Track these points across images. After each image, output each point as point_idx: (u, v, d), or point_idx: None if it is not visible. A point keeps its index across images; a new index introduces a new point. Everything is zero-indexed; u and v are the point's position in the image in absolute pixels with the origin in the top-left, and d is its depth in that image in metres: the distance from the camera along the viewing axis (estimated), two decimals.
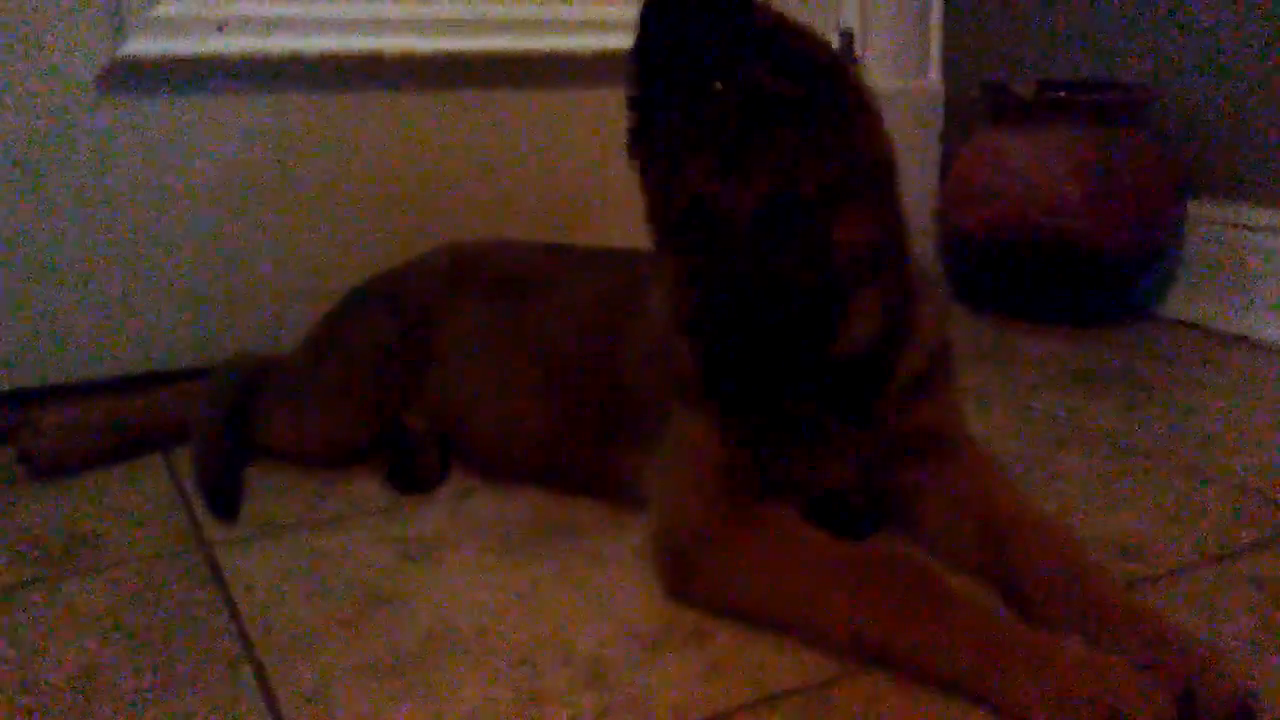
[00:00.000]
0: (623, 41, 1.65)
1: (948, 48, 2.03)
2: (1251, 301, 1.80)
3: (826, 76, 0.94)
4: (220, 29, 1.50)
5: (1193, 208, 1.87)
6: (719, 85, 0.93)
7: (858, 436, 1.04)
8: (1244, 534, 1.13)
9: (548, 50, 1.73)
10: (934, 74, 2.03)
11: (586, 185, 1.76)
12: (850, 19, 1.94)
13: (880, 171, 1.00)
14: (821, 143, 0.93)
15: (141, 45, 1.46)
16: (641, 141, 0.99)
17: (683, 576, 0.98)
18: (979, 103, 1.95)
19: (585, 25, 1.75)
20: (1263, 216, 1.78)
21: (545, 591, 1.03)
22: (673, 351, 1.04)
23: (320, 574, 1.07)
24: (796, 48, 0.93)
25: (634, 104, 0.98)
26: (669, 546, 1.00)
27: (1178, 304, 1.91)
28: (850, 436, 1.03)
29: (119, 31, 1.44)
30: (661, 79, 0.95)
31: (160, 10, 1.47)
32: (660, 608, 0.99)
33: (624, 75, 0.97)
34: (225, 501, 1.21)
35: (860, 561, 0.91)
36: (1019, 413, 1.51)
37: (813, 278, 0.93)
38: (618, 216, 1.48)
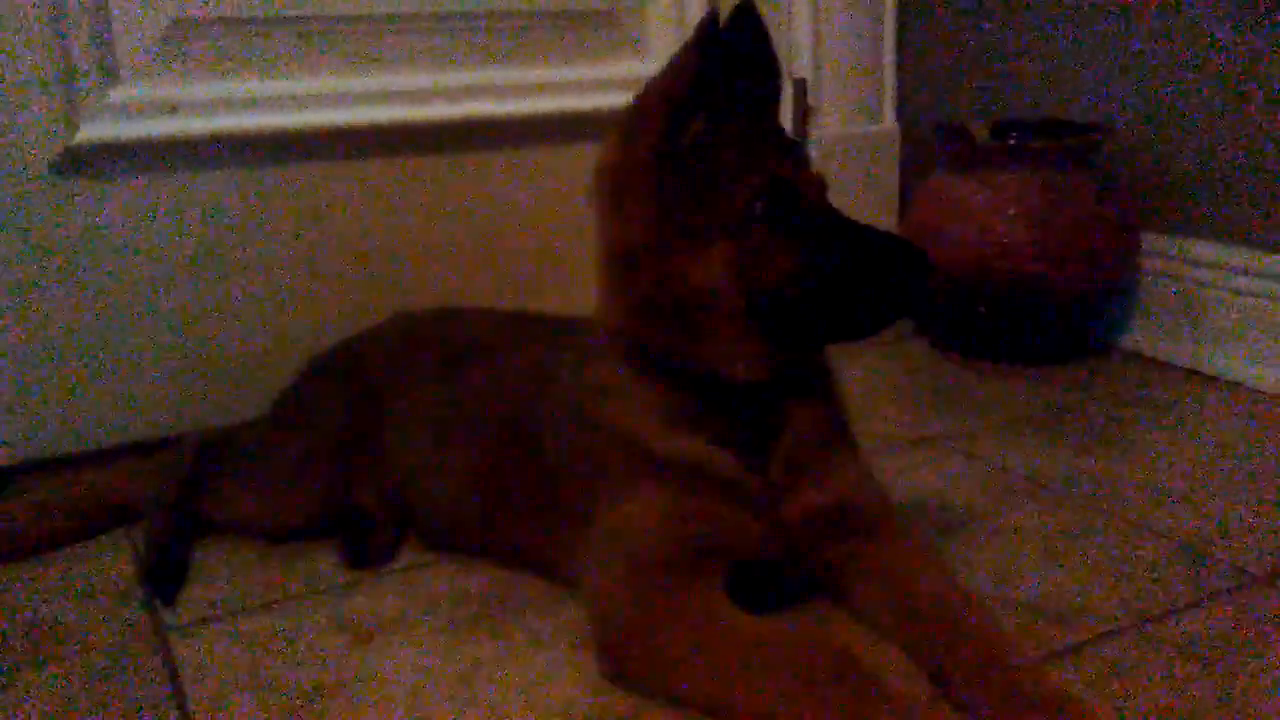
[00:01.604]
0: (581, 103, 1.73)
1: (902, 89, 2.06)
2: (1203, 336, 1.83)
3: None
4: (174, 111, 1.53)
5: (1147, 242, 1.90)
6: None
7: (779, 500, 1.07)
8: (1175, 594, 1.15)
9: (510, 114, 1.77)
10: (889, 117, 2.06)
11: (555, 244, 1.79)
12: (804, 67, 1.97)
13: None
14: None
15: (96, 131, 1.49)
16: (667, 150, 1.02)
17: (617, 661, 1.00)
18: (933, 145, 1.98)
19: (547, 88, 1.79)
20: (1213, 252, 1.80)
21: (486, 674, 1.05)
22: (612, 423, 1.07)
23: (270, 663, 1.09)
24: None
25: (670, 113, 1.02)
26: (603, 632, 1.02)
27: (1135, 339, 1.94)
28: (773, 499, 1.06)
29: (73, 118, 1.48)
30: (694, 93, 1.01)
31: (114, 96, 1.50)
32: (597, 691, 1.01)
33: (678, 79, 1.02)
34: (166, 587, 1.23)
35: (787, 647, 0.93)
36: (970, 462, 1.53)
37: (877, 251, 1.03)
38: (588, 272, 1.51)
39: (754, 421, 1.06)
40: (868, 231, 1.03)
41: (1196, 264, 1.84)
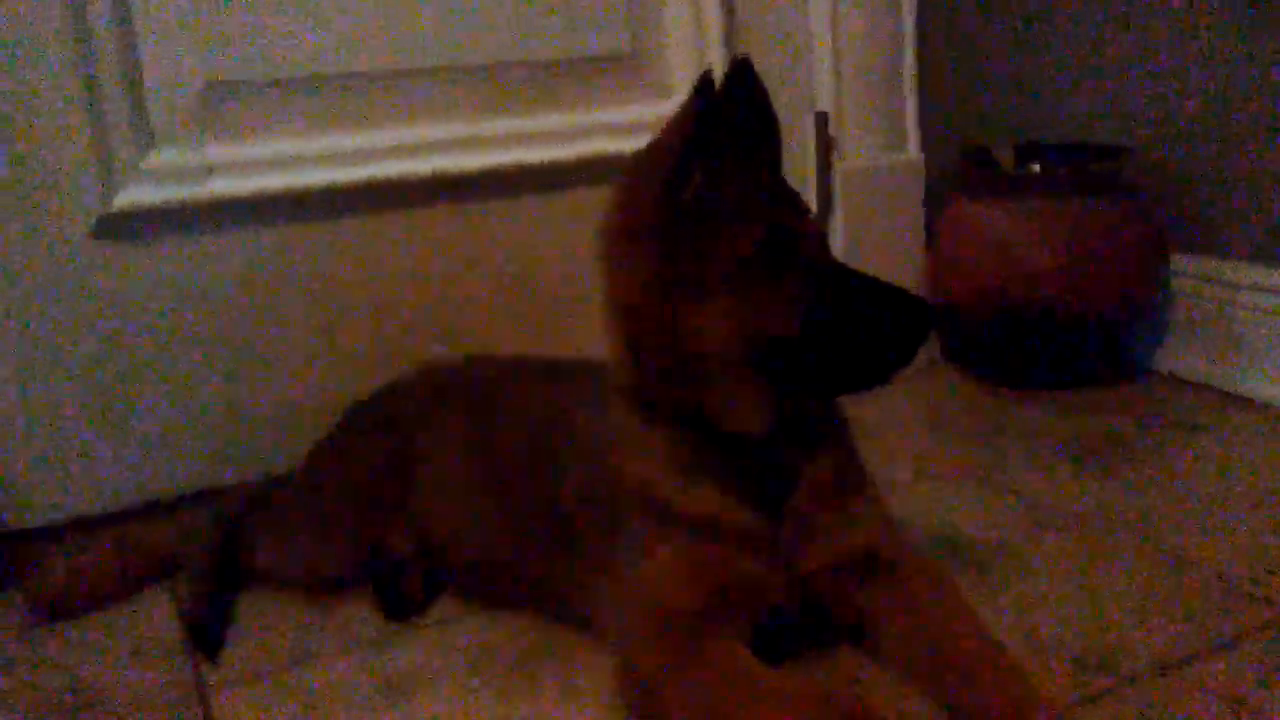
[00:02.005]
0: (606, 146, 1.74)
1: (924, 114, 2.06)
2: (1238, 358, 1.81)
3: None
4: (208, 173, 1.57)
5: (1178, 263, 1.88)
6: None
7: (799, 550, 1.08)
8: (1208, 632, 1.14)
9: (535, 161, 1.79)
10: (913, 146, 2.06)
11: (583, 287, 1.80)
12: (825, 100, 1.98)
13: None
14: None
15: (133, 196, 1.53)
16: (667, 205, 1.04)
17: (641, 712, 1.02)
18: (958, 172, 1.98)
19: (571, 134, 1.81)
20: (1245, 272, 1.79)
21: None
22: (630, 477, 1.09)
23: (310, 719, 1.13)
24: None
25: (671, 170, 1.03)
26: (626, 683, 1.04)
27: (1169, 360, 1.92)
28: (794, 550, 1.07)
29: (111, 184, 1.52)
30: (691, 150, 1.02)
31: (150, 161, 1.54)
32: None
33: (677, 135, 1.04)
34: (208, 642, 1.27)
35: (806, 701, 0.95)
36: (1000, 494, 1.52)
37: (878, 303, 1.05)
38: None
39: (768, 470, 1.07)
40: (868, 282, 1.04)
41: (1229, 284, 1.82)
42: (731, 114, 1.05)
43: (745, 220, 1.03)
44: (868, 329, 1.02)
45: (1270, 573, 1.25)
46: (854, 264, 1.92)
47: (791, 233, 1.04)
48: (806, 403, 1.09)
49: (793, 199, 1.09)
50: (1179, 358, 1.91)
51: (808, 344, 1.02)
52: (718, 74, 1.05)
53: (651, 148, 1.05)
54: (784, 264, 1.02)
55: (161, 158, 1.56)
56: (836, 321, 1.02)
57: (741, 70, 1.07)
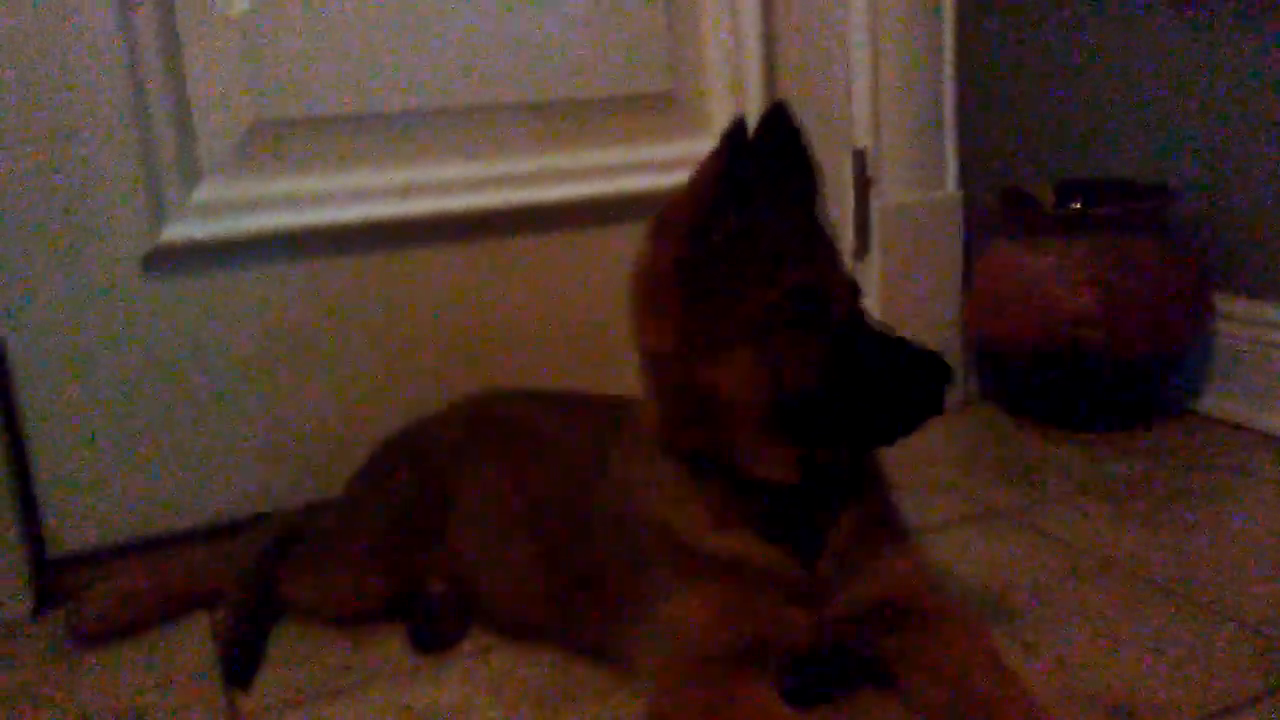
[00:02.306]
0: (649, 182, 1.76)
1: (963, 152, 2.06)
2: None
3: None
4: (255, 208, 1.60)
5: (1221, 304, 1.86)
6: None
7: (829, 596, 1.08)
8: (1245, 685, 1.12)
9: (578, 197, 1.81)
10: (951, 184, 2.05)
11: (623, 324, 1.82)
12: (863, 137, 1.98)
13: None
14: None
15: (181, 231, 1.57)
16: (695, 254, 1.05)
17: None
18: (997, 211, 1.98)
19: (613, 170, 1.83)
20: None
21: None
22: (659, 519, 1.09)
23: None
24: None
25: (697, 218, 1.04)
26: None
27: (1210, 402, 1.90)
28: (823, 596, 1.07)
29: (160, 218, 1.56)
30: (720, 198, 1.03)
31: (198, 196, 1.58)
32: None
33: (705, 182, 1.04)
34: (241, 673, 1.29)
35: None
36: (1036, 537, 1.51)
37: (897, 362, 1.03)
38: None
39: (800, 516, 1.07)
40: (890, 340, 1.04)
41: (1271, 325, 1.80)
42: (765, 160, 1.05)
43: (771, 271, 1.03)
44: (886, 388, 1.01)
45: None
46: (892, 301, 1.98)
47: (817, 286, 1.04)
48: (827, 456, 1.08)
49: (827, 247, 1.09)
50: (1220, 399, 1.89)
51: (826, 401, 1.02)
52: (753, 118, 1.06)
53: (681, 194, 1.06)
54: (808, 318, 1.02)
55: (209, 193, 1.59)
56: (855, 380, 1.01)
57: (776, 115, 1.07)
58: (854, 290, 1.08)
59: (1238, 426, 1.85)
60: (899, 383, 1.01)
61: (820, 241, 1.09)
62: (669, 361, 1.06)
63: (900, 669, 1.10)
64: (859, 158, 1.98)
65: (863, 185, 1.98)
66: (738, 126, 1.03)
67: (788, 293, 1.02)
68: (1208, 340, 1.88)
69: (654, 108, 1.87)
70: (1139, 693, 1.12)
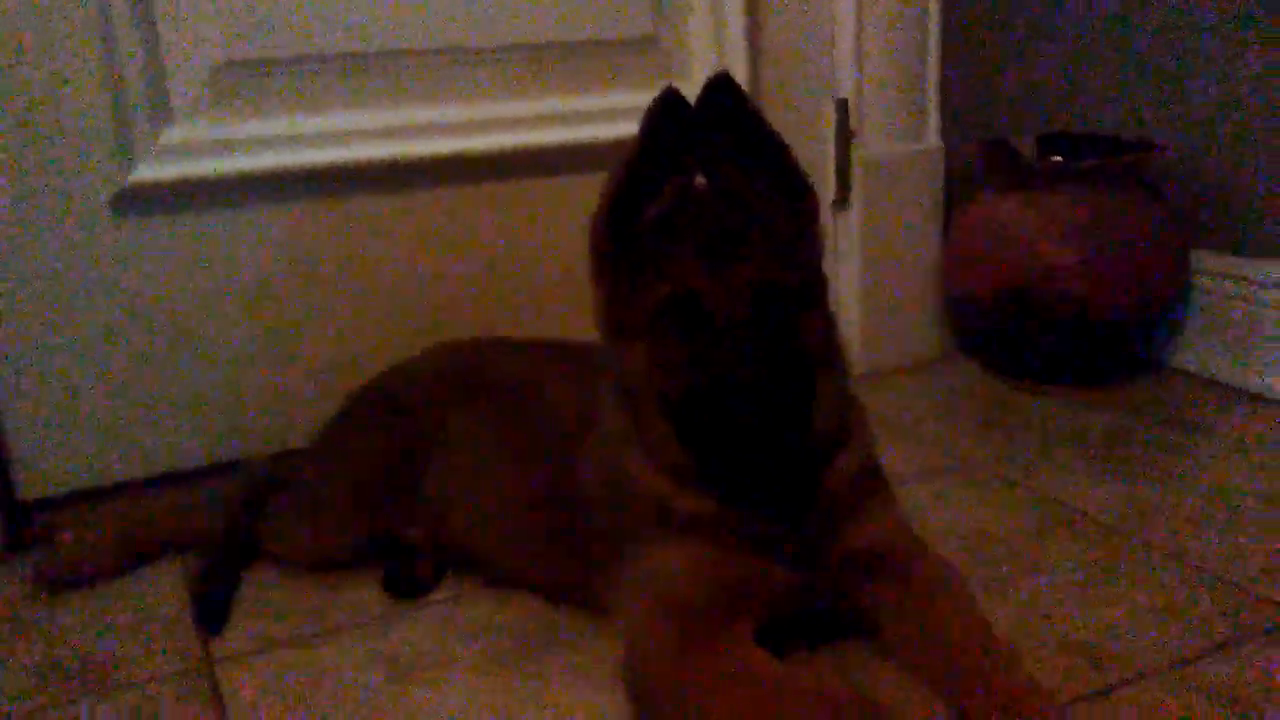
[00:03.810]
0: (629, 128, 1.73)
1: (946, 104, 2.04)
2: (1257, 355, 1.79)
3: (801, 189, 1.06)
4: (225, 149, 1.57)
5: (1200, 260, 1.86)
6: (702, 182, 1.03)
7: (811, 550, 1.07)
8: (1212, 634, 1.14)
9: (557, 142, 1.79)
10: (933, 136, 2.04)
11: None
12: (846, 87, 1.96)
13: (822, 276, 1.10)
14: (792, 246, 1.04)
15: (150, 171, 1.54)
16: (615, 234, 1.05)
17: (650, 704, 1.02)
18: (978, 162, 1.97)
19: (592, 115, 1.80)
20: (1268, 270, 1.77)
21: (524, 709, 1.08)
22: (632, 475, 1.09)
23: (314, 697, 1.13)
24: (779, 160, 1.04)
25: (615, 198, 1.04)
26: (634, 672, 1.04)
27: (1187, 357, 1.91)
28: (804, 551, 1.07)
29: (129, 159, 1.53)
30: (648, 176, 1.02)
31: (168, 136, 1.55)
32: None
33: (609, 170, 1.04)
34: (211, 617, 1.28)
35: (812, 695, 0.95)
36: (1012, 489, 1.52)
37: (795, 366, 1.01)
38: None
39: (769, 477, 1.07)
40: (752, 353, 0.98)
41: (1251, 282, 1.80)
42: (706, 134, 1.00)
43: (658, 276, 1.01)
44: (731, 408, 0.98)
45: (1271, 573, 1.25)
46: (872, 253, 1.97)
47: (695, 297, 0.99)
48: (710, 456, 1.05)
49: (731, 243, 1.01)
50: (1198, 355, 1.89)
51: (693, 404, 1.01)
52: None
53: (616, 164, 1.03)
54: (684, 327, 1.00)
55: (179, 134, 1.56)
56: (709, 394, 0.99)
57: (719, 86, 1.00)
58: (741, 293, 1.00)
59: (1214, 382, 1.86)
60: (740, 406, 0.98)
61: (731, 231, 1.01)
62: (603, 330, 1.10)
63: (878, 619, 1.10)
64: (841, 108, 1.96)
65: (844, 136, 1.97)
66: (668, 99, 0.98)
67: (664, 300, 1.01)
68: (1186, 295, 1.88)
69: (636, 51, 1.85)
70: (1107, 639, 1.14)
